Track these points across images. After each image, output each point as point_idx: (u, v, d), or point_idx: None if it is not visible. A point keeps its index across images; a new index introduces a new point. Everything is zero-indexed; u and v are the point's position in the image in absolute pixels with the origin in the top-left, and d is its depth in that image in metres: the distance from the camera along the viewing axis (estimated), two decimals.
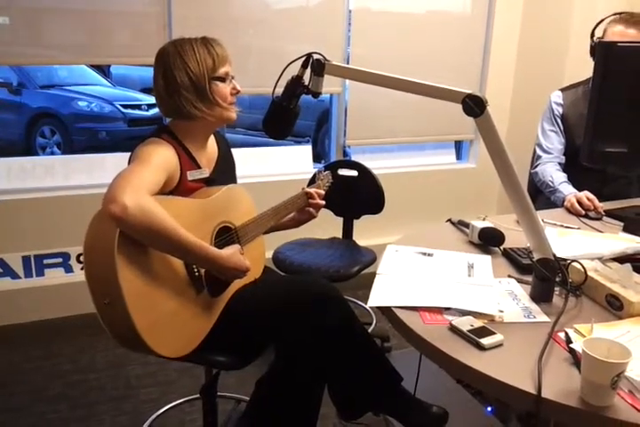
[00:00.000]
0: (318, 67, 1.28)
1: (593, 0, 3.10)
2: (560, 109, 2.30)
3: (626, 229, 1.74)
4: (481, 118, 1.19)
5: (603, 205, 1.96)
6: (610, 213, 1.91)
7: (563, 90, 2.34)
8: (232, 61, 1.57)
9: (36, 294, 2.71)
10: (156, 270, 1.33)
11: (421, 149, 3.72)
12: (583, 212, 1.95)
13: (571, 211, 2.00)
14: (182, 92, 1.49)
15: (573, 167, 2.27)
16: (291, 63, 1.35)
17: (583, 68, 2.33)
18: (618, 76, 1.32)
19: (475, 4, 3.43)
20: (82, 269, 2.82)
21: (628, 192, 2.35)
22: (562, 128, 2.30)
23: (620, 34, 2.08)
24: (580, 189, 2.20)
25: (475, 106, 1.18)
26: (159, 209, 1.27)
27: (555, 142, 2.31)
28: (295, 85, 1.33)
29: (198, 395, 1.78)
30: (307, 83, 1.33)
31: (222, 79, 1.53)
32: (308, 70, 1.31)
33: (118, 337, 1.32)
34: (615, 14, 2.15)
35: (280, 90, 1.35)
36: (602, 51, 1.30)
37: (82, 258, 2.79)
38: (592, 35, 2.20)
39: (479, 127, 1.21)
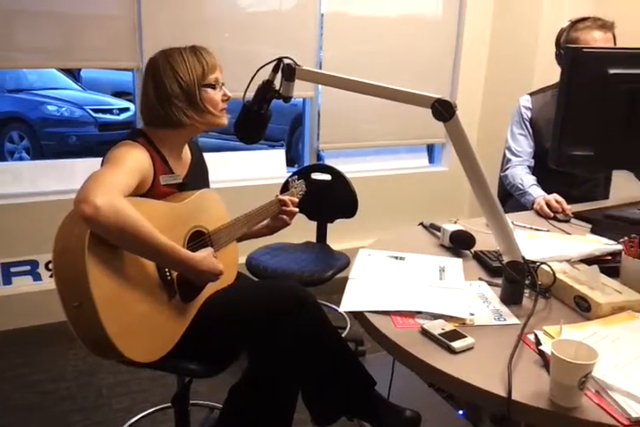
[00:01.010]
0: (289, 71, 1.28)
1: (561, 5, 3.16)
2: (529, 113, 2.34)
3: (593, 231, 1.78)
4: (450, 123, 1.20)
5: (571, 208, 1.99)
6: (578, 216, 1.94)
7: (531, 94, 2.38)
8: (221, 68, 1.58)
9: (4, 302, 2.64)
10: (128, 273, 1.31)
11: (394, 153, 3.74)
12: (552, 214, 1.98)
13: (540, 213, 2.03)
14: (173, 100, 1.48)
15: (542, 170, 2.30)
16: (261, 68, 1.34)
17: (552, 72, 2.37)
18: (584, 80, 1.35)
19: (445, 8, 3.47)
20: (50, 276, 2.78)
21: (596, 194, 2.39)
22: (531, 132, 2.34)
23: (604, 40, 2.09)
24: (548, 192, 2.24)
25: (444, 111, 1.19)
26: (132, 210, 1.25)
27: (524, 146, 2.34)
28: (266, 90, 1.33)
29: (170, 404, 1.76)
30: (278, 87, 1.33)
31: (212, 86, 1.54)
32: (279, 75, 1.31)
33: (87, 342, 1.29)
34: (578, 21, 2.17)
35: (251, 94, 1.35)
36: (568, 56, 1.33)
37: (51, 266, 2.75)
38: (557, 43, 2.24)
39: (448, 132, 1.22)
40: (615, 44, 2.18)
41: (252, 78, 1.35)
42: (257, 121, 1.38)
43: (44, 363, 2.45)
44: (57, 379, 2.34)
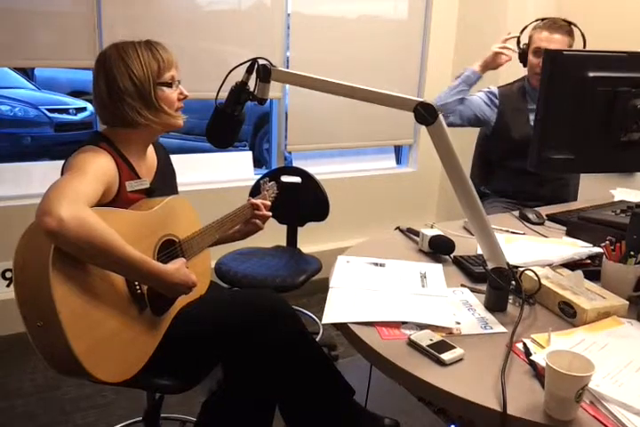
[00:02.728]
0: (264, 73, 1.23)
1: (524, 6, 3.19)
2: (496, 101, 2.37)
3: (569, 234, 1.77)
4: (433, 127, 1.17)
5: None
6: (552, 218, 1.94)
7: (499, 87, 2.41)
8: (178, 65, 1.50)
9: None
10: (95, 288, 1.23)
11: (361, 154, 3.71)
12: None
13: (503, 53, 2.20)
14: (126, 98, 1.39)
15: (509, 169, 2.32)
16: (234, 69, 1.29)
17: (517, 71, 2.41)
18: (564, 83, 1.33)
19: (411, 9, 3.46)
20: (7, 286, 2.64)
21: (564, 194, 2.41)
22: (494, 118, 2.37)
23: (547, 39, 2.20)
24: (517, 192, 2.26)
25: (427, 114, 1.15)
26: (98, 222, 1.17)
27: (471, 104, 2.34)
28: (240, 92, 1.27)
29: (139, 418, 1.68)
30: (251, 88, 1.27)
31: (168, 84, 1.45)
32: (253, 76, 1.25)
33: (53, 362, 1.21)
34: (537, 20, 2.25)
35: (222, 95, 1.28)
36: (548, 59, 1.31)
37: (7, 274, 2.62)
38: (518, 42, 2.29)
39: (431, 135, 1.18)
40: (572, 45, 2.25)
41: (225, 79, 1.29)
42: (230, 124, 1.33)
43: None
44: (13, 394, 2.21)
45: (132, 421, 2.04)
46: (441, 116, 1.16)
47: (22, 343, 1.18)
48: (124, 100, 1.40)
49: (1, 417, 2.08)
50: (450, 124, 2.32)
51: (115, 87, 1.39)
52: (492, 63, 2.29)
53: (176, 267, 1.33)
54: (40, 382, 2.29)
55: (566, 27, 2.21)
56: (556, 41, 2.19)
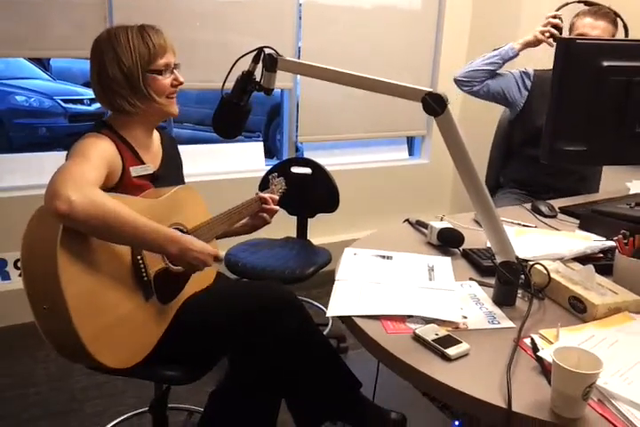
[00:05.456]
0: (270, 62, 1.21)
1: None
2: (528, 82, 2.31)
3: (582, 227, 1.74)
4: (441, 117, 1.14)
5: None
6: (565, 211, 1.91)
7: (535, 70, 2.36)
8: (176, 51, 1.48)
9: None
10: (102, 274, 1.23)
11: (373, 145, 3.68)
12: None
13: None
14: (114, 86, 1.39)
15: (525, 157, 2.29)
16: (240, 58, 1.27)
17: (533, 61, 2.35)
18: (577, 73, 1.30)
19: None
20: (20, 275, 2.66)
21: (580, 187, 2.36)
22: (523, 101, 2.32)
23: (591, 26, 2.11)
24: (532, 183, 2.22)
25: (435, 105, 1.13)
26: (108, 198, 1.18)
27: (500, 81, 2.30)
28: (246, 81, 1.26)
29: (148, 407, 1.68)
30: (258, 78, 1.25)
31: (159, 72, 1.43)
32: (260, 65, 1.24)
33: (58, 346, 1.21)
34: (579, 1, 2.17)
35: (229, 85, 1.27)
36: (561, 48, 1.27)
37: (20, 263, 2.64)
38: (558, 28, 2.22)
39: (440, 126, 1.16)
40: (615, 35, 2.16)
41: (231, 69, 1.27)
42: (236, 114, 1.32)
43: (11, 367, 2.35)
44: (26, 383, 2.24)
45: (140, 410, 2.06)
46: (449, 107, 1.13)
47: (35, 332, 1.18)
48: (113, 89, 1.39)
49: (15, 405, 2.10)
50: (472, 93, 2.30)
51: (104, 75, 1.39)
52: (534, 44, 2.23)
53: (193, 237, 1.33)
54: (52, 371, 2.32)
55: (612, 15, 2.12)
56: (599, 28, 2.10)
